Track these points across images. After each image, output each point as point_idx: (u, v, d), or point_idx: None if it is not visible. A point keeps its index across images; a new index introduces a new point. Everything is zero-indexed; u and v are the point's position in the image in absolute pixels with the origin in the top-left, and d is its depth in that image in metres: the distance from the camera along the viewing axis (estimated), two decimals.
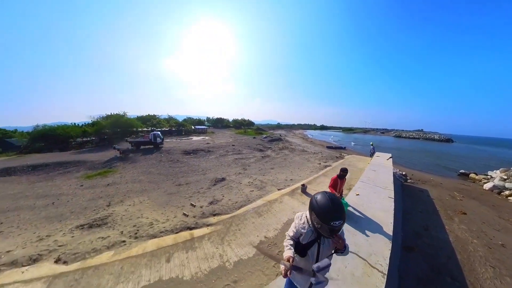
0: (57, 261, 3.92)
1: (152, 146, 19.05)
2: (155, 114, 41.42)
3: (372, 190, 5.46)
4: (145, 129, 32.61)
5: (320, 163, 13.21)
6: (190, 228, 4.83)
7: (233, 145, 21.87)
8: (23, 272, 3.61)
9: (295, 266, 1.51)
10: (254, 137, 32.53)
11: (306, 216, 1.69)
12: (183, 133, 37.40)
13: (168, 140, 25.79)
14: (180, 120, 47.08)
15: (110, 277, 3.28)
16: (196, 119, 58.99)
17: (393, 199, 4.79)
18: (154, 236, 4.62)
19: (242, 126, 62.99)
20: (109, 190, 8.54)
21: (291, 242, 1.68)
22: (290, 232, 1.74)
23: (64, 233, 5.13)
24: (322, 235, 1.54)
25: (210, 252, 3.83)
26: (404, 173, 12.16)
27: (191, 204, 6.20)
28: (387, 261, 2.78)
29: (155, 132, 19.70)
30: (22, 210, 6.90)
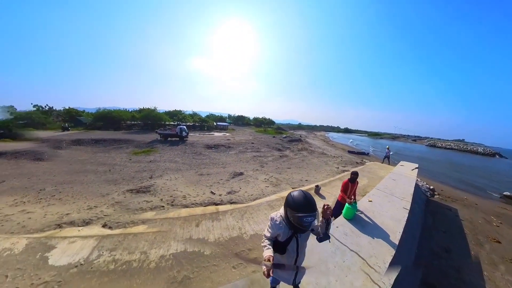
0: (104, 224, 4.80)
1: (178, 138, 20.61)
2: (180, 109, 44.14)
3: (387, 199, 5.32)
4: (172, 123, 35.07)
5: (338, 167, 12.94)
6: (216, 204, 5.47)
7: (252, 143, 22.41)
8: (77, 230, 4.47)
9: (276, 264, 1.58)
10: (274, 136, 32.68)
11: (281, 216, 1.75)
12: (206, 128, 39.24)
13: (191, 134, 27.42)
14: (203, 116, 49.34)
15: (147, 241, 3.99)
16: (218, 115, 61.09)
17: (407, 210, 4.65)
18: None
19: (263, 124, 63.39)
20: (151, 166, 10.97)
21: (269, 242, 1.71)
22: (267, 233, 1.77)
23: (118, 194, 6.18)
24: (298, 229, 1.62)
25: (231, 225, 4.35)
26: (431, 187, 11.22)
27: (211, 192, 6.82)
28: (387, 265, 2.86)
29: (181, 126, 21.29)
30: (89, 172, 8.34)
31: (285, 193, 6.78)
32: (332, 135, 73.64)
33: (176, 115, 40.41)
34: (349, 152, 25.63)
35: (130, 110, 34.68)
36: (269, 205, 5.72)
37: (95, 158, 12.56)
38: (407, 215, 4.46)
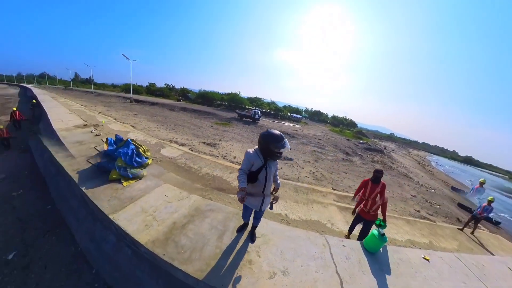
0: (190, 148, 7.54)
1: (251, 120, 23.37)
2: (260, 97, 48.27)
3: (464, 278, 3.01)
4: (250, 107, 39.48)
5: (415, 196, 9.35)
6: None
7: (319, 139, 21.42)
8: (178, 146, 7.63)
9: (249, 192, 2.07)
10: (348, 139, 29.09)
11: (255, 149, 2.19)
12: (279, 117, 40.91)
13: (264, 119, 29.82)
14: (280, 106, 51.20)
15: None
16: (294, 107, 61.10)
17: None
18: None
19: (341, 125, 57.14)
20: (223, 134, 14.15)
21: (244, 176, 2.11)
22: (243, 166, 2.16)
23: (197, 142, 9.60)
24: (271, 159, 2.14)
25: None
26: None
27: None
28: None
29: (255, 110, 23.94)
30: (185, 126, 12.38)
31: (319, 188, 6.44)
32: (438, 160, 52.32)
33: (255, 101, 44.78)
34: (453, 189, 15.33)
35: (221, 93, 43.36)
36: (295, 188, 5.75)
37: (190, 121, 17.18)
38: None
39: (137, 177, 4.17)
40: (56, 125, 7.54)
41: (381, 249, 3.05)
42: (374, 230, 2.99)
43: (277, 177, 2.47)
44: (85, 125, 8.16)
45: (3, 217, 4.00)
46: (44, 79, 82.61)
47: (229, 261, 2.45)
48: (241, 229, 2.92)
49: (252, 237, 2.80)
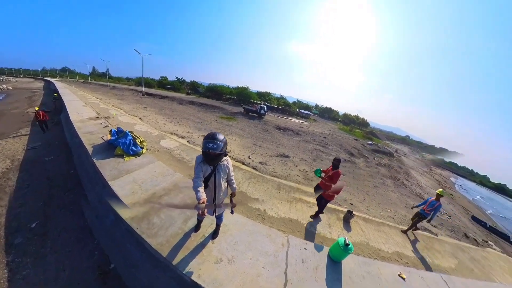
0: (188, 140, 7.98)
1: (256, 115, 23.61)
2: (270, 92, 47.93)
3: None
4: (259, 102, 39.47)
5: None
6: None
7: (324, 137, 21.15)
8: (177, 138, 8.16)
9: (208, 204, 1.92)
10: (356, 139, 28.34)
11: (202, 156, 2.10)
12: (287, 113, 40.65)
13: (271, 115, 29.83)
14: (290, 102, 50.62)
15: None
16: (305, 103, 60.13)
17: None
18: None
19: (352, 123, 55.49)
20: (226, 128, 14.85)
21: (202, 185, 1.96)
22: (199, 173, 2.03)
23: (197, 136, 9.66)
24: (207, 157, 1.98)
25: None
26: None
27: (249, 156, 8.35)
28: None
29: (261, 105, 24.11)
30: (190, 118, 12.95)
31: (305, 188, 5.94)
32: (463, 183, 39.73)
33: (264, 96, 44.60)
34: (474, 218, 12.83)
35: (230, 87, 43.44)
36: (278, 186, 5.47)
37: (196, 114, 17.83)
38: None
39: (136, 154, 5.26)
40: (73, 117, 8.58)
41: (348, 259, 2.96)
42: (339, 238, 2.92)
43: (232, 181, 2.39)
44: (97, 117, 9.03)
45: (37, 176, 5.39)
46: (65, 73, 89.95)
47: (186, 242, 2.78)
48: (196, 228, 2.97)
49: (213, 234, 2.90)
